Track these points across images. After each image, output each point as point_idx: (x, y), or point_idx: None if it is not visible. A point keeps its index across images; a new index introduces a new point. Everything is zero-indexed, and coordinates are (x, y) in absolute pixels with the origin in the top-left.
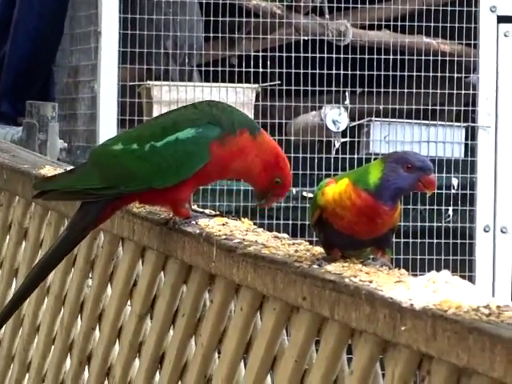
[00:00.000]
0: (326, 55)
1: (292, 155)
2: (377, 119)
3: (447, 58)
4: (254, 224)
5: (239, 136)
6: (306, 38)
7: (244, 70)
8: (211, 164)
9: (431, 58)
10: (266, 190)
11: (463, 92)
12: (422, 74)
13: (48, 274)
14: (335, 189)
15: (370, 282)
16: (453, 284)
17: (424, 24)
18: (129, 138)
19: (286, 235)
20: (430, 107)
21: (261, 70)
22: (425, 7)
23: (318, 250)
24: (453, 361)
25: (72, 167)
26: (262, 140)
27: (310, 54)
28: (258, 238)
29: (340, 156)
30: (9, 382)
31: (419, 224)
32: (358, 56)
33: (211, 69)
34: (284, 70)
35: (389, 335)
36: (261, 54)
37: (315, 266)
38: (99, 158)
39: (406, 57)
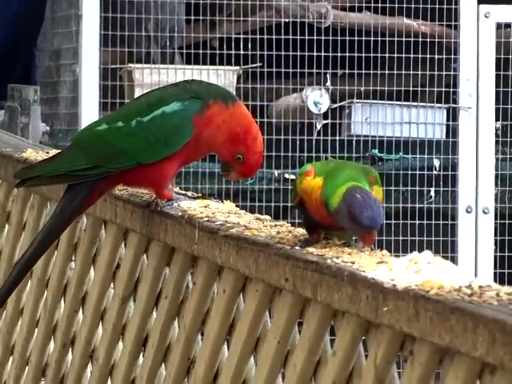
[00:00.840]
0: (306, 37)
1: (274, 137)
2: (358, 101)
3: (428, 40)
4: (236, 206)
5: (212, 106)
6: (286, 20)
7: (225, 52)
8: (194, 138)
9: (412, 39)
10: (228, 163)
11: (444, 73)
12: (403, 55)
13: (37, 260)
14: (310, 184)
15: (353, 263)
16: (435, 264)
17: (404, 5)
18: (112, 118)
19: (268, 217)
20: (411, 88)
21: (242, 52)
22: None
23: (300, 231)
24: (435, 341)
25: (54, 150)
26: (235, 111)
27: (290, 36)
28: (240, 220)
29: (322, 138)
30: None
31: (401, 205)
32: (339, 38)
33: (193, 51)
34: (265, 53)
35: (371, 316)
36: (242, 36)
37: (297, 248)
38: (83, 140)
39: (387, 38)
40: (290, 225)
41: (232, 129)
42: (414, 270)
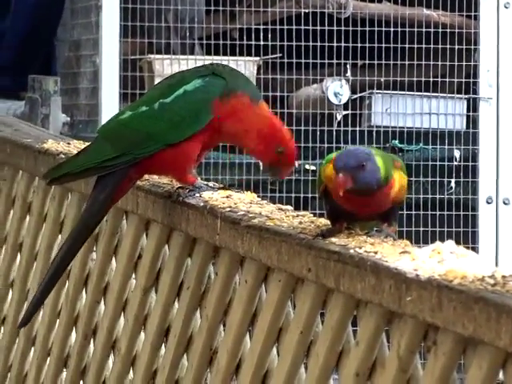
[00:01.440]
0: (326, 28)
1: (294, 128)
2: (378, 91)
3: (448, 30)
4: (258, 197)
5: (241, 97)
6: (306, 11)
7: (245, 43)
8: (217, 119)
9: (432, 29)
10: (272, 161)
11: (464, 64)
12: (423, 46)
13: (74, 256)
14: (331, 169)
15: (375, 252)
16: (458, 254)
17: None
18: (135, 105)
19: (290, 207)
20: (431, 79)
21: (262, 43)
22: None
23: (323, 221)
24: (458, 331)
25: (75, 141)
26: (261, 109)
27: (311, 27)
28: (262, 210)
29: (342, 128)
30: (14, 356)
31: (422, 196)
32: (359, 28)
33: (212, 42)
34: (285, 43)
35: (394, 306)
36: (262, 27)
37: (320, 238)
38: (108, 131)
39: (407, 29)
40: (312, 215)
41: (264, 128)
42: (437, 260)
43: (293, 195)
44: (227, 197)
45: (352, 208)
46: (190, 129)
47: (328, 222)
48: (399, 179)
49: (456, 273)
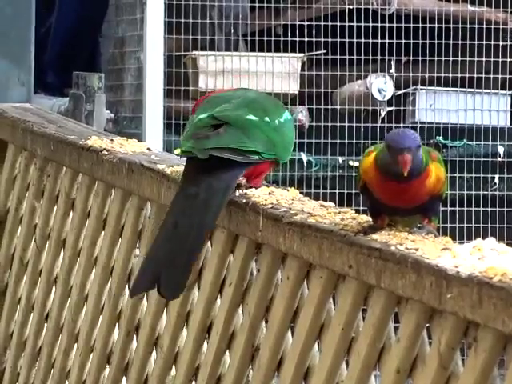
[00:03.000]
0: (371, 24)
1: (338, 124)
2: (422, 87)
3: (492, 26)
4: (301, 193)
5: None
6: (351, 7)
7: (289, 39)
8: None
9: (476, 26)
10: None
11: (508, 60)
12: (467, 42)
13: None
14: (367, 161)
15: (416, 249)
16: (498, 251)
17: None
18: (253, 109)
19: (331, 204)
20: (475, 75)
21: (306, 39)
22: None
23: (364, 218)
24: (499, 327)
25: (119, 137)
26: None
27: (355, 23)
28: (304, 207)
29: (386, 125)
30: (57, 352)
31: (465, 192)
32: (403, 25)
33: (257, 38)
34: (329, 40)
35: (435, 303)
36: (306, 23)
37: (361, 235)
38: (241, 124)
39: (451, 25)
40: (353, 212)
41: None
42: (477, 257)
43: (337, 191)
44: (269, 193)
45: (388, 199)
46: (289, 153)
47: (370, 219)
48: (435, 170)
49: (496, 270)
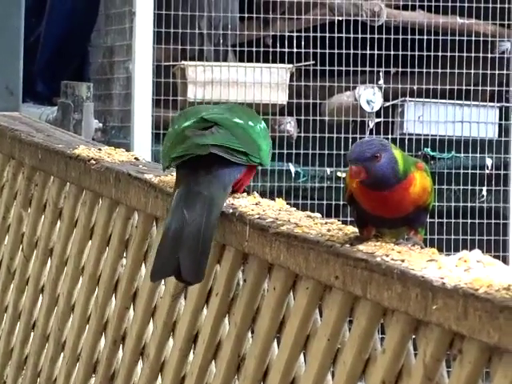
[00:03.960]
0: (360, 35)
1: (326, 135)
2: (411, 99)
3: (481, 39)
4: (288, 204)
5: None
6: (340, 18)
7: (278, 50)
8: None
9: (465, 38)
10: None
11: (497, 72)
12: (456, 54)
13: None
14: None
15: (402, 260)
16: (484, 263)
17: (458, 4)
18: (236, 114)
19: (318, 214)
20: (463, 87)
21: (295, 50)
22: None
23: (351, 229)
24: (484, 339)
25: (107, 147)
26: None
27: (344, 35)
28: (291, 218)
29: (374, 136)
30: (44, 361)
31: (453, 204)
32: (392, 36)
33: (246, 49)
34: (318, 50)
35: (420, 314)
36: (295, 34)
37: (347, 245)
38: (229, 126)
39: (440, 37)
40: (340, 222)
41: None
42: (463, 269)
43: (324, 202)
44: (256, 204)
45: (372, 207)
46: (268, 159)
47: (356, 230)
48: (421, 179)
49: (482, 281)
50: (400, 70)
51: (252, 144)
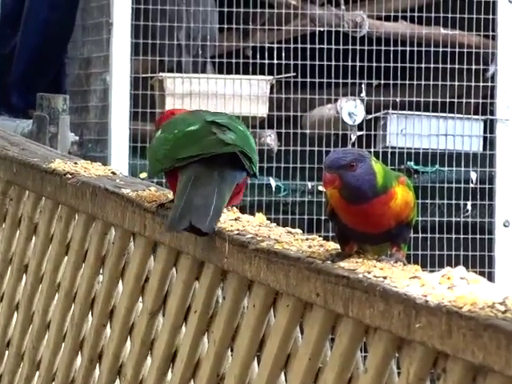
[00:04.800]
0: (341, 47)
1: (307, 148)
2: (393, 112)
3: (465, 50)
4: (269, 219)
5: None
6: (321, 29)
7: (258, 61)
8: None
9: (449, 49)
10: None
11: (481, 84)
12: (440, 65)
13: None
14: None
15: (384, 277)
16: (468, 280)
17: (441, 15)
18: (234, 121)
19: (299, 230)
20: (447, 100)
21: (275, 61)
22: None
23: (332, 245)
24: (468, 358)
25: (83, 161)
26: None
27: (325, 46)
28: (271, 233)
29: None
30: (19, 379)
31: (437, 219)
32: (375, 47)
33: (225, 60)
34: (299, 62)
35: (403, 332)
36: (276, 45)
37: (329, 262)
38: (238, 132)
39: (423, 48)
40: (321, 238)
41: None
42: (447, 286)
43: (306, 217)
44: (235, 219)
45: (352, 222)
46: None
47: (338, 246)
48: (402, 194)
49: (466, 299)
50: (382, 81)
51: (254, 153)
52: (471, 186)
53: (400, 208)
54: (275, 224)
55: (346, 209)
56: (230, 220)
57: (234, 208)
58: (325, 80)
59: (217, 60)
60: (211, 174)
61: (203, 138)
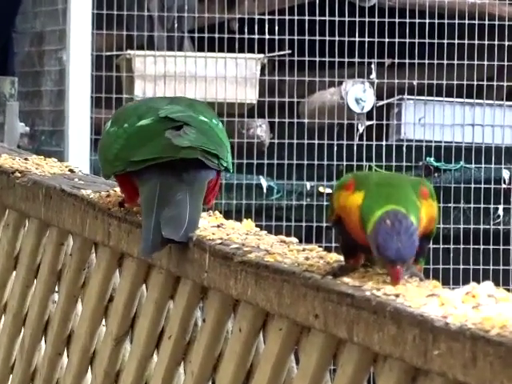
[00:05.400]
0: (347, 19)
1: (305, 142)
2: (410, 97)
3: (496, 22)
4: (259, 226)
5: None
6: None
7: (246, 36)
8: None
9: (476, 21)
10: None
11: None
12: (465, 41)
13: None
14: (349, 201)
15: (397, 296)
16: (497, 298)
17: None
18: (195, 110)
19: (294, 239)
20: (475, 82)
21: (267, 36)
22: None
23: (334, 257)
24: None
25: (35, 156)
26: None
27: (327, 18)
28: (261, 243)
29: (364, 143)
30: None
31: (462, 226)
32: (387, 20)
33: (206, 35)
34: (295, 37)
35: (419, 361)
36: (267, 17)
37: (329, 277)
38: (199, 125)
39: (446, 21)
40: (321, 249)
41: None
42: (471, 305)
43: (303, 224)
44: (218, 226)
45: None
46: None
47: (341, 258)
48: (427, 211)
49: (494, 321)
50: (396, 61)
51: (220, 146)
52: (504, 186)
53: (425, 227)
54: (266, 232)
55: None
56: (212, 227)
57: (217, 213)
58: (326, 59)
59: (196, 35)
60: (177, 180)
61: (156, 139)
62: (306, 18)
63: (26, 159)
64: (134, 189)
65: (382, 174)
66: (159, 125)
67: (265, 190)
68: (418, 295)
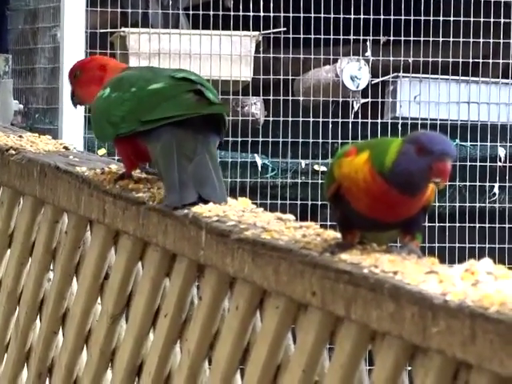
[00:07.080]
0: None
1: (300, 119)
2: (405, 75)
3: (492, 0)
4: (254, 204)
5: None
6: None
7: (241, 14)
8: None
9: None
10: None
11: None
12: (461, 18)
13: None
14: (353, 164)
15: (395, 273)
16: (496, 275)
17: None
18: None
19: (291, 216)
20: (470, 60)
21: (262, 14)
22: None
23: (331, 234)
24: (496, 369)
25: (29, 133)
26: None
27: None
28: (257, 220)
29: (360, 120)
30: None
31: (458, 204)
32: None
33: (201, 12)
34: (290, 15)
35: (418, 338)
36: None
37: (327, 254)
38: (211, 90)
39: None
40: (318, 226)
41: None
42: (470, 283)
43: (298, 202)
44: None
45: (374, 212)
46: None
47: (338, 235)
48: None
49: (493, 298)
50: (392, 38)
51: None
52: (499, 164)
53: (428, 194)
54: (262, 209)
55: (379, 196)
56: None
57: None
58: (322, 36)
59: (191, 12)
60: (194, 139)
61: (175, 98)
62: None
63: (20, 137)
64: (138, 152)
65: (382, 138)
66: (176, 86)
67: (259, 168)
68: (417, 272)
